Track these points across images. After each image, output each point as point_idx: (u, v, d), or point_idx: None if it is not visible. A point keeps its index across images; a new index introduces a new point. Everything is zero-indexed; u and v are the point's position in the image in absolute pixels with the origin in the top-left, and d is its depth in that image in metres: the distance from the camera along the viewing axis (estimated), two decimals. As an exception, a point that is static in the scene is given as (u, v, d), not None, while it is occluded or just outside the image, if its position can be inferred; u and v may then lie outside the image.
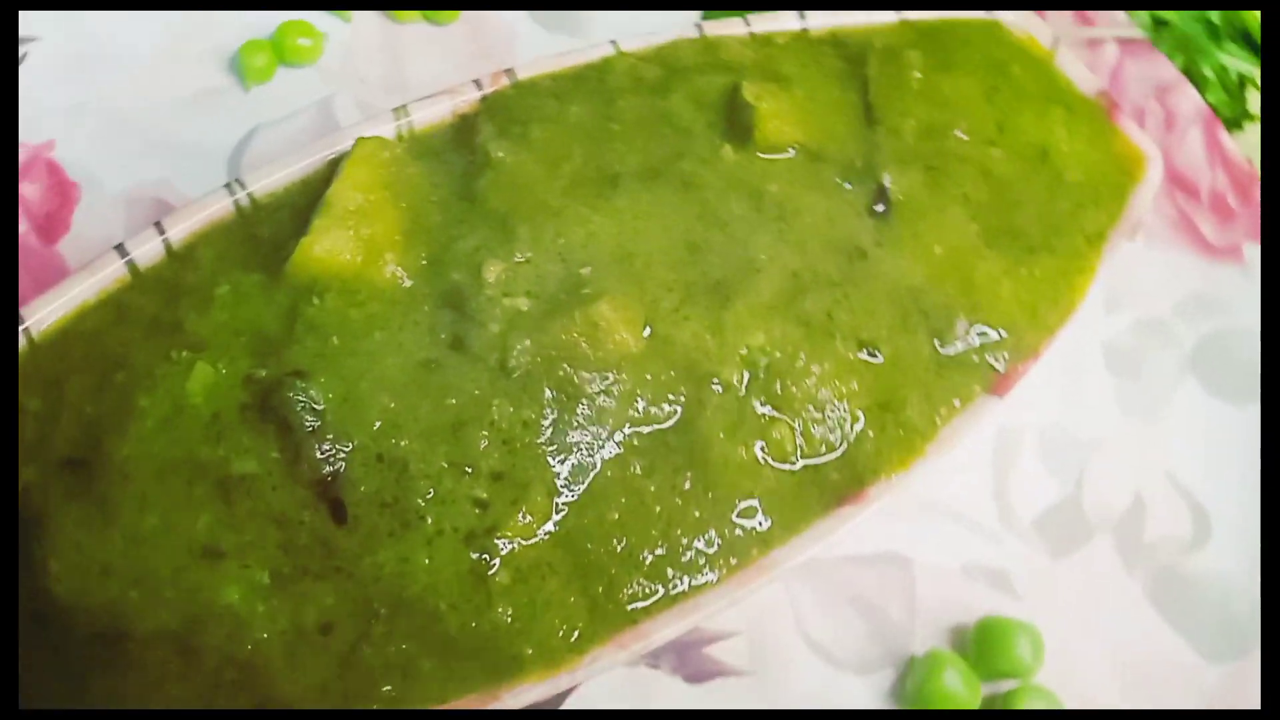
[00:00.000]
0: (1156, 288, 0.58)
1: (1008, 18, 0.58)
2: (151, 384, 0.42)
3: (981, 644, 0.47)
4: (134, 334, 0.43)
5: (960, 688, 0.45)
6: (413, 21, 0.60)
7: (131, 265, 0.45)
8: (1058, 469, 0.53)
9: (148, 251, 0.45)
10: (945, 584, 0.50)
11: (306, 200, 0.47)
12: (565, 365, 0.43)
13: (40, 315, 0.43)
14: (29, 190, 0.51)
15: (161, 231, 0.45)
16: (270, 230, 0.47)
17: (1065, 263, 0.51)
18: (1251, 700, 0.49)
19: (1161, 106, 0.62)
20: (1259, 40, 0.63)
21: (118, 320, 0.44)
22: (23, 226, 0.50)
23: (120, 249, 0.45)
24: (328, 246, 0.44)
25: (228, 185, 0.47)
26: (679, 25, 0.54)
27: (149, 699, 0.37)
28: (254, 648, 0.38)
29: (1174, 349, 0.57)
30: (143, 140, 0.53)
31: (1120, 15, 0.65)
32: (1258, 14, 0.64)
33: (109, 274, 0.45)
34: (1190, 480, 0.53)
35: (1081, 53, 0.63)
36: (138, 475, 0.40)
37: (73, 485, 0.40)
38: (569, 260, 0.46)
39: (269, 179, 0.47)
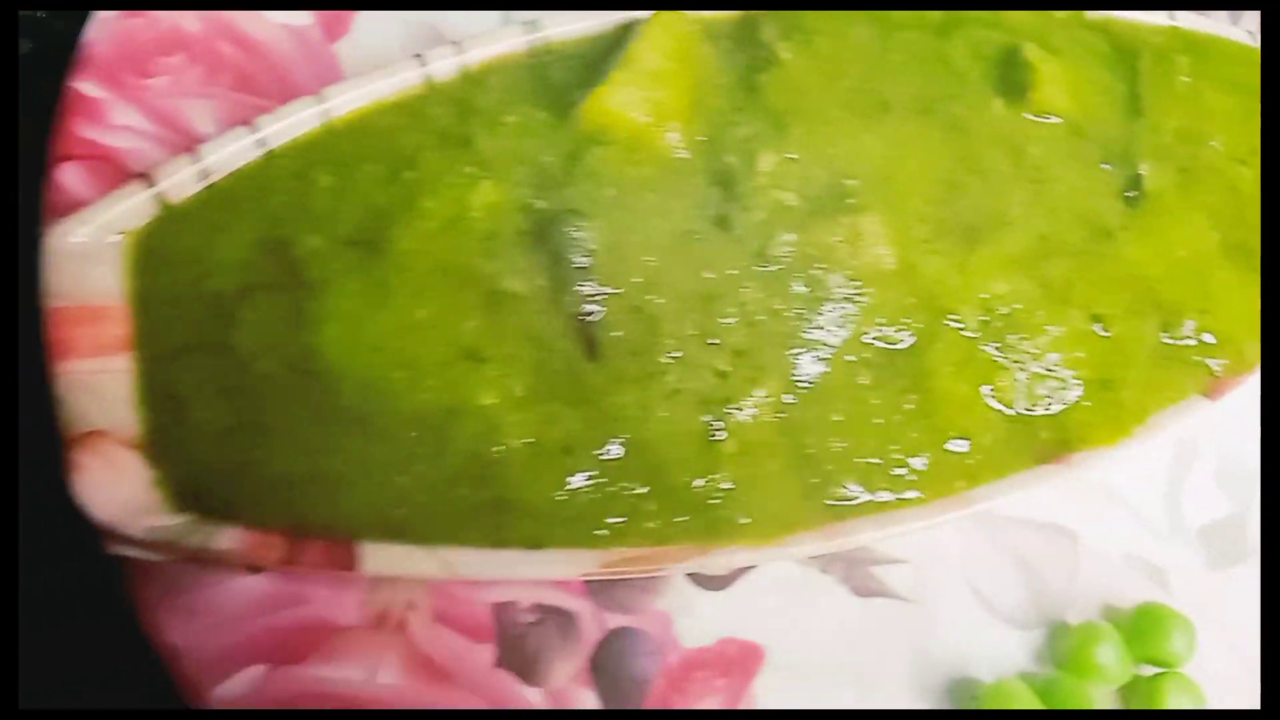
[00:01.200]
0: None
1: (1270, 48, 0.58)
2: (438, 189, 0.44)
3: (1139, 627, 0.48)
4: (425, 140, 0.45)
5: (1113, 662, 0.47)
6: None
7: (429, 77, 0.47)
8: (1231, 489, 0.53)
9: (444, 67, 0.47)
10: (1105, 566, 0.51)
11: (595, 55, 0.49)
12: (820, 265, 0.45)
13: (340, 100, 0.45)
14: (320, -15, 0.53)
15: (460, 52, 0.47)
16: (560, 75, 0.48)
17: (1293, 291, 0.52)
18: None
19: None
20: None
21: (411, 124, 0.46)
22: (308, 19, 0.52)
23: (420, 59, 0.46)
24: (621, 100, 0.45)
25: (525, 24, 0.49)
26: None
27: (393, 471, 0.39)
28: (500, 451, 0.40)
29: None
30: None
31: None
32: None
33: (407, 78, 0.46)
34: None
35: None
36: (416, 268, 0.42)
37: (354, 262, 0.42)
38: (834, 170, 0.47)
39: (565, 27, 0.49)
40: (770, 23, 0.51)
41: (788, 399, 0.43)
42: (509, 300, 0.42)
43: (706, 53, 0.49)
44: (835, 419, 0.44)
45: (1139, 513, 0.53)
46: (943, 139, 0.49)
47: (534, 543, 0.40)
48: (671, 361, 0.43)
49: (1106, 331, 0.48)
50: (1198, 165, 0.53)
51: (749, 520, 0.41)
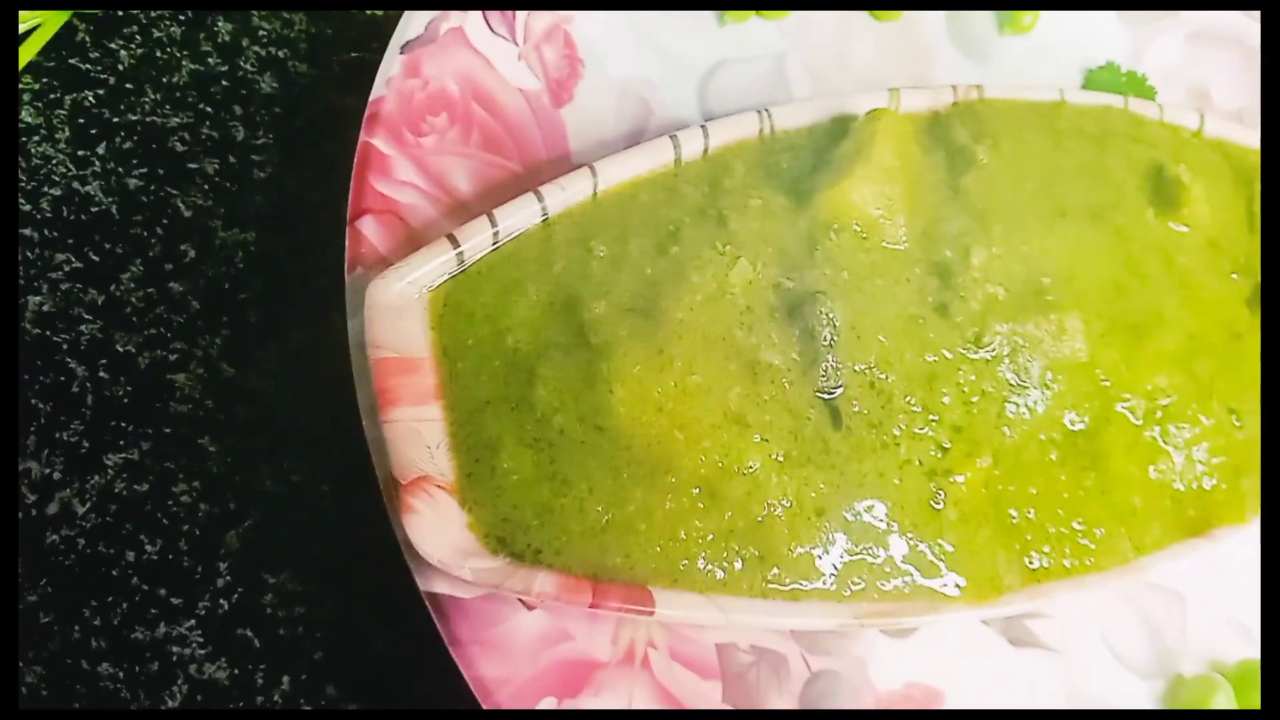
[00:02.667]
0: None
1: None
2: (702, 265, 0.48)
3: (1245, 679, 0.55)
4: (683, 216, 0.49)
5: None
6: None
7: (677, 156, 0.51)
8: (1309, 560, 0.61)
9: (691, 149, 0.51)
10: (1210, 625, 0.58)
11: (813, 145, 0.54)
12: (1027, 355, 0.51)
13: (608, 174, 0.49)
14: (549, 53, 0.56)
15: (705, 136, 0.51)
16: (789, 163, 0.53)
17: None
18: None
19: None
20: None
21: (668, 200, 0.50)
22: (537, 85, 0.55)
23: (674, 139, 0.51)
24: (863, 194, 0.50)
25: (757, 112, 0.53)
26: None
27: (674, 523, 0.43)
28: (764, 510, 0.45)
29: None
30: (640, 41, 0.59)
31: None
32: None
33: (658, 158, 0.50)
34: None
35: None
36: (688, 337, 0.46)
37: (635, 329, 0.46)
38: (1029, 266, 0.53)
39: (791, 118, 0.53)
40: (960, 124, 0.57)
41: (996, 473, 0.49)
42: (767, 371, 0.47)
43: (916, 151, 0.54)
44: (1032, 492, 0.50)
45: (1236, 578, 0.60)
46: (1111, 244, 0.56)
47: (792, 595, 0.44)
48: (901, 434, 0.48)
49: (1240, 423, 0.55)
50: (1304, 278, 0.61)
51: (967, 583, 0.47)
